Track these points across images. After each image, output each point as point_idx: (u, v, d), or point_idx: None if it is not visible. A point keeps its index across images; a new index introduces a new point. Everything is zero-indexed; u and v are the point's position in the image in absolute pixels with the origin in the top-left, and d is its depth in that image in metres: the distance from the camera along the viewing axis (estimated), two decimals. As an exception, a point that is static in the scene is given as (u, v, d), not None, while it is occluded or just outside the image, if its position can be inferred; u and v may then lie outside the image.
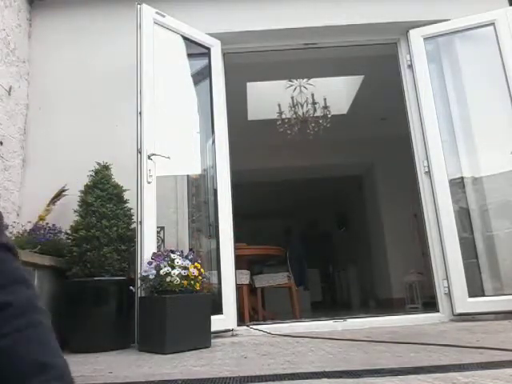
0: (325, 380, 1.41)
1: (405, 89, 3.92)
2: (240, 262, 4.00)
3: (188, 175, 3.75)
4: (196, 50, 3.74)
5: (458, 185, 3.67)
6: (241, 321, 3.66)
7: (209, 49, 3.77)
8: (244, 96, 5.94)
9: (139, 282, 2.74)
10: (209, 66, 3.74)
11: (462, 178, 3.70)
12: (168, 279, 2.57)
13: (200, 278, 2.71)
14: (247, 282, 4.51)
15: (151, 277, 2.62)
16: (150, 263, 2.69)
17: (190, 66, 3.82)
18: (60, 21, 3.92)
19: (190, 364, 1.98)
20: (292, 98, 6.09)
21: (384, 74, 4.85)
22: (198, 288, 2.68)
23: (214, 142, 3.64)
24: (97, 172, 3.12)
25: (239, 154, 4.05)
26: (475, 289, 3.40)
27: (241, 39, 3.90)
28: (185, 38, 3.63)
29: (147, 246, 2.85)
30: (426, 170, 3.66)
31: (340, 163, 7.71)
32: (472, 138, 3.73)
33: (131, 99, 3.17)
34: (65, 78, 3.75)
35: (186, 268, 2.64)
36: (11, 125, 3.44)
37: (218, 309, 3.19)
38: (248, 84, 5.74)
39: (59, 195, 3.33)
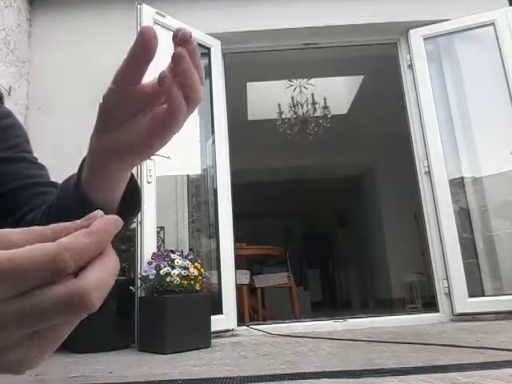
0: (325, 380, 1.41)
1: (405, 89, 3.92)
2: (240, 262, 4.00)
3: (188, 175, 3.75)
4: (196, 49, 3.74)
5: (458, 185, 3.67)
6: (241, 321, 3.66)
7: (209, 49, 3.76)
8: (244, 96, 5.93)
9: (139, 281, 2.74)
10: (209, 66, 3.74)
11: (462, 178, 3.70)
12: (168, 279, 2.57)
13: (200, 278, 2.71)
14: (247, 282, 4.51)
15: (151, 277, 2.62)
16: (149, 263, 2.69)
17: (190, 65, 3.82)
18: (60, 21, 3.92)
19: (190, 364, 1.98)
20: (292, 98, 6.09)
21: (384, 73, 4.85)
22: (197, 288, 2.68)
23: (213, 142, 3.64)
24: (97, 172, 3.11)
25: (239, 153, 4.05)
26: (475, 289, 3.40)
27: (241, 39, 3.90)
28: (185, 38, 3.62)
29: (147, 246, 2.85)
30: (426, 170, 3.66)
31: (340, 163, 7.70)
32: (472, 137, 3.73)
33: (131, 99, 3.16)
34: (65, 78, 3.75)
35: (186, 268, 2.64)
36: (11, 125, 3.44)
37: (218, 309, 3.19)
38: (248, 84, 5.74)
39: (59, 195, 3.33)
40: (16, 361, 0.25)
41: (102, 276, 0.24)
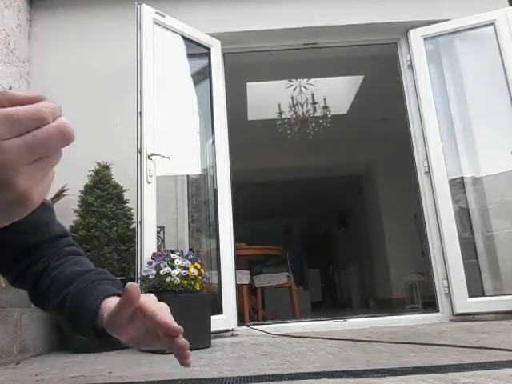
0: (325, 380, 1.40)
1: (405, 89, 3.92)
2: (240, 262, 4.00)
3: (188, 175, 3.75)
4: (196, 49, 3.74)
5: (458, 185, 3.67)
6: (241, 321, 3.66)
7: (209, 49, 3.76)
8: (244, 96, 5.93)
9: (139, 281, 2.74)
10: (209, 66, 3.74)
11: (462, 178, 3.70)
12: (168, 279, 2.57)
13: (200, 278, 2.71)
14: (247, 282, 4.51)
15: (151, 277, 2.62)
16: (149, 263, 2.69)
17: (190, 66, 3.82)
18: (60, 21, 3.92)
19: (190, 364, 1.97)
20: (292, 98, 6.09)
21: (384, 73, 4.85)
22: (197, 288, 2.68)
23: (213, 142, 3.64)
24: (97, 172, 3.12)
25: (239, 153, 4.05)
26: (475, 289, 3.40)
27: (241, 39, 3.90)
28: (185, 38, 3.62)
29: (147, 246, 2.85)
30: (426, 169, 3.66)
31: (340, 163, 7.70)
32: (472, 137, 3.73)
33: (131, 99, 3.16)
34: (65, 78, 3.75)
35: (186, 268, 2.64)
36: (11, 125, 3.44)
37: (217, 309, 3.19)
38: (248, 84, 5.74)
39: (59, 195, 3.33)
40: (24, 190, 0.35)
41: (68, 121, 0.37)
